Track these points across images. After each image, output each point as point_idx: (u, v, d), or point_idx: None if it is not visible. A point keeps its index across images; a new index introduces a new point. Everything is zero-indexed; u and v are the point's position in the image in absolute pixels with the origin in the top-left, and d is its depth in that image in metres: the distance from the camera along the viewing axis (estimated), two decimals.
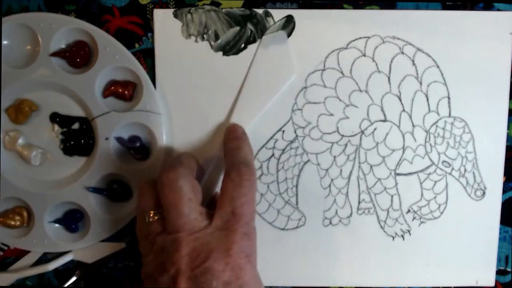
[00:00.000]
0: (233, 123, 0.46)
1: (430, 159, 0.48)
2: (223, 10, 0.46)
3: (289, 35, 0.46)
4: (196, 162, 0.43)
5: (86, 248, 0.48)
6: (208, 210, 0.40)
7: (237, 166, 0.40)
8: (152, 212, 0.40)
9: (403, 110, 0.47)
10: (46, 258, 0.49)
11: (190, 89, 0.47)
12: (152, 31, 0.46)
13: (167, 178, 0.39)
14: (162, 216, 0.39)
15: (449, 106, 0.47)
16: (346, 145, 0.48)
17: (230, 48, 0.47)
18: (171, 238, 0.38)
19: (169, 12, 0.46)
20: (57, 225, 0.48)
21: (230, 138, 0.44)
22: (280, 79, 0.46)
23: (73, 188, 0.47)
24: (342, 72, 0.47)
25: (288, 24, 0.46)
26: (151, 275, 0.38)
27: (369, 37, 0.47)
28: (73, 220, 0.48)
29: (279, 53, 0.46)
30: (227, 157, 0.42)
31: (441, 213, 0.49)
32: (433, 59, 0.47)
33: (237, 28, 0.46)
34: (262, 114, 0.46)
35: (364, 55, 0.47)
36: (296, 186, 0.48)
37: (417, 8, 0.46)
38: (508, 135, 0.48)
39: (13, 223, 0.47)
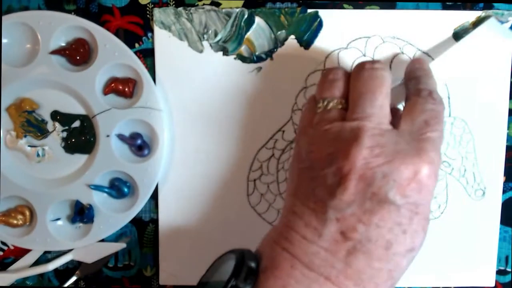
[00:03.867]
0: (419, 57, 0.43)
1: None
2: (223, 10, 0.46)
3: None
4: None
5: (86, 248, 0.48)
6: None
7: (429, 90, 0.36)
8: (337, 99, 0.37)
9: None
10: (46, 258, 0.49)
11: (190, 88, 0.47)
12: (152, 31, 0.46)
13: (372, 65, 0.36)
14: (345, 107, 0.36)
15: (449, 106, 0.47)
16: None
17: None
18: (353, 125, 0.34)
19: (169, 12, 0.46)
20: (59, 222, 0.48)
21: (417, 67, 0.40)
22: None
23: (75, 186, 0.47)
24: None
25: None
26: (311, 167, 0.35)
27: (369, 37, 0.47)
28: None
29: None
30: (414, 82, 0.38)
31: (441, 213, 0.48)
32: (433, 59, 0.47)
33: None
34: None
35: (364, 55, 0.47)
36: None
37: (417, 8, 0.46)
38: (508, 135, 0.48)
39: (15, 222, 0.47)
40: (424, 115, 0.35)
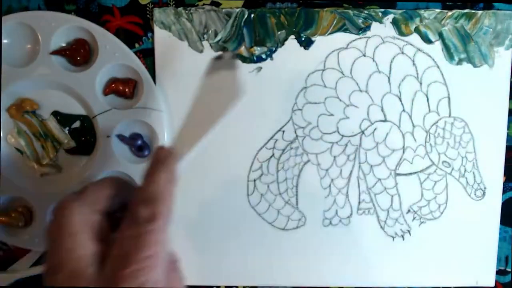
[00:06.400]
0: (161, 145, 0.39)
1: (430, 159, 0.48)
2: (223, 10, 0.46)
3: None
4: (112, 192, 0.35)
5: None
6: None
7: (136, 207, 0.32)
8: None
9: (403, 110, 0.47)
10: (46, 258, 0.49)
11: (190, 88, 0.47)
12: (152, 31, 0.46)
13: (53, 213, 0.33)
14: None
15: (449, 106, 0.47)
16: (346, 145, 0.48)
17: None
18: (50, 280, 0.31)
19: (169, 12, 0.46)
20: None
21: (157, 157, 0.35)
22: (227, 103, 0.41)
23: (75, 186, 0.46)
24: (342, 72, 0.47)
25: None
26: None
27: (369, 37, 0.47)
28: None
29: (228, 77, 0.42)
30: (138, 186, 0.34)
31: (441, 213, 0.49)
32: (433, 59, 0.47)
33: None
34: (207, 137, 0.41)
35: (364, 55, 0.47)
36: (296, 186, 0.48)
37: (417, 8, 0.46)
38: (508, 135, 0.48)
39: (15, 222, 0.47)
40: (122, 249, 0.31)
